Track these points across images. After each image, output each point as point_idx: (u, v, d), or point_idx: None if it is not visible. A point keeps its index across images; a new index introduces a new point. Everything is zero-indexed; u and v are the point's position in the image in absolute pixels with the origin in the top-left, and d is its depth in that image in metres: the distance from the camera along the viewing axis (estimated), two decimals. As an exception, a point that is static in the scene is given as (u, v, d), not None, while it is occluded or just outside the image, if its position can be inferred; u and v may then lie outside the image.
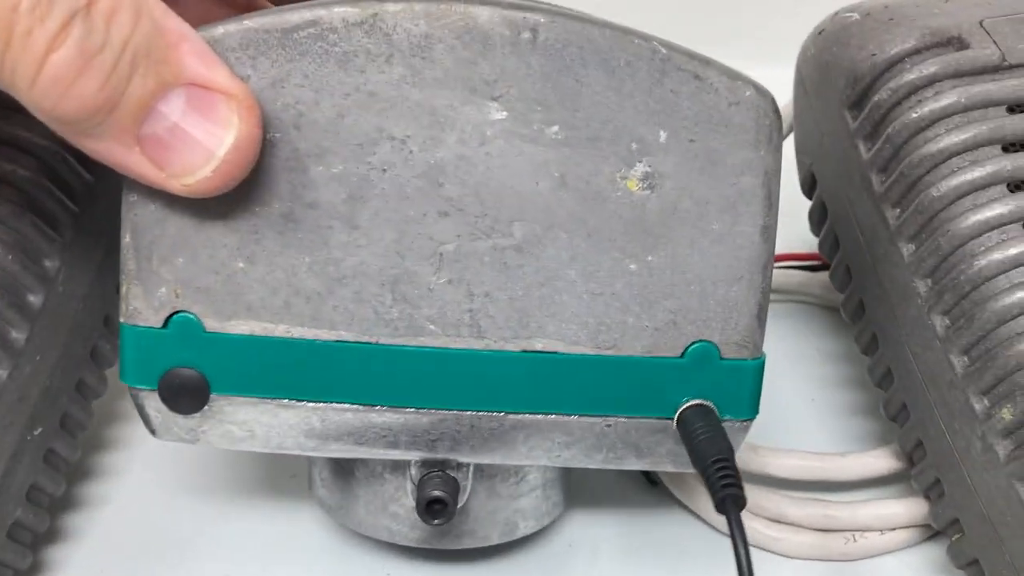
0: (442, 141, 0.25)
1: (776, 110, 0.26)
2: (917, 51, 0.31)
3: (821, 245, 0.36)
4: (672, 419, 0.27)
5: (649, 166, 0.25)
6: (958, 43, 0.31)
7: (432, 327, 0.26)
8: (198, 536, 0.34)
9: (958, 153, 0.30)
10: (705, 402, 0.27)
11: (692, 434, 0.26)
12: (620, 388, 0.27)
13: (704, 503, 0.34)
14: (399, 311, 0.26)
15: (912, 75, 0.31)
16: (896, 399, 0.33)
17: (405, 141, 0.25)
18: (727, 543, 0.34)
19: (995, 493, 0.29)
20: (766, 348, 0.42)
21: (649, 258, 0.26)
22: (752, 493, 0.35)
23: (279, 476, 0.36)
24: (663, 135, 0.25)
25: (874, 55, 0.32)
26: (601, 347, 0.27)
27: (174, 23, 0.23)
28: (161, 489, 0.35)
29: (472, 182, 0.25)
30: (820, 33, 0.35)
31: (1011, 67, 0.31)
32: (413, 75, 0.24)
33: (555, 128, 0.25)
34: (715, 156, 0.25)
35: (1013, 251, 0.28)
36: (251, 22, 0.24)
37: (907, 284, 0.31)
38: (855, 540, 0.34)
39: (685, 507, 0.35)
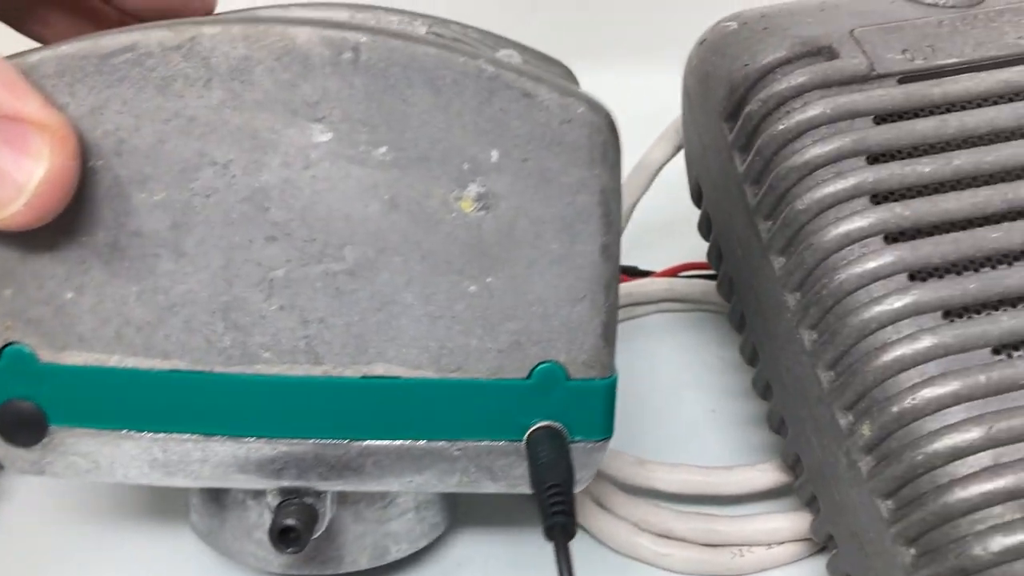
0: (265, 165, 0.24)
1: (611, 127, 0.25)
2: (788, 61, 0.31)
3: (708, 256, 0.35)
4: (522, 441, 0.26)
5: (483, 186, 0.24)
6: (828, 53, 0.31)
7: (267, 355, 0.25)
8: (82, 561, 0.33)
9: (822, 165, 0.29)
10: (554, 424, 0.26)
11: (534, 458, 0.25)
12: (467, 412, 0.26)
13: (598, 521, 0.34)
14: (232, 339, 0.25)
15: (781, 86, 0.30)
16: (776, 412, 0.32)
17: (227, 166, 0.24)
18: (619, 561, 0.34)
19: (859, 509, 0.28)
20: (666, 358, 0.41)
21: (488, 279, 0.25)
22: (639, 508, 0.34)
23: (166, 501, 0.35)
24: (495, 154, 0.24)
25: (747, 65, 0.31)
26: (444, 370, 0.25)
27: None
28: (44, 514, 0.34)
29: (299, 206, 0.24)
30: (702, 43, 0.34)
31: (879, 76, 0.30)
32: (233, 98, 0.23)
33: (382, 149, 0.24)
34: (549, 175, 0.24)
35: (872, 264, 0.27)
36: (68, 48, 0.23)
37: (778, 298, 0.30)
38: (742, 555, 0.33)
39: (578, 525, 0.34)
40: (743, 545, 0.33)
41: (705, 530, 0.33)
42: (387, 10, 0.32)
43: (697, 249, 0.44)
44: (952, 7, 0.32)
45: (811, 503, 0.31)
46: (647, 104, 0.49)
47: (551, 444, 0.26)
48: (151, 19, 0.30)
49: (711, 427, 0.38)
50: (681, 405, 0.40)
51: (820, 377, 0.29)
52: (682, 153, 0.39)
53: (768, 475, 0.34)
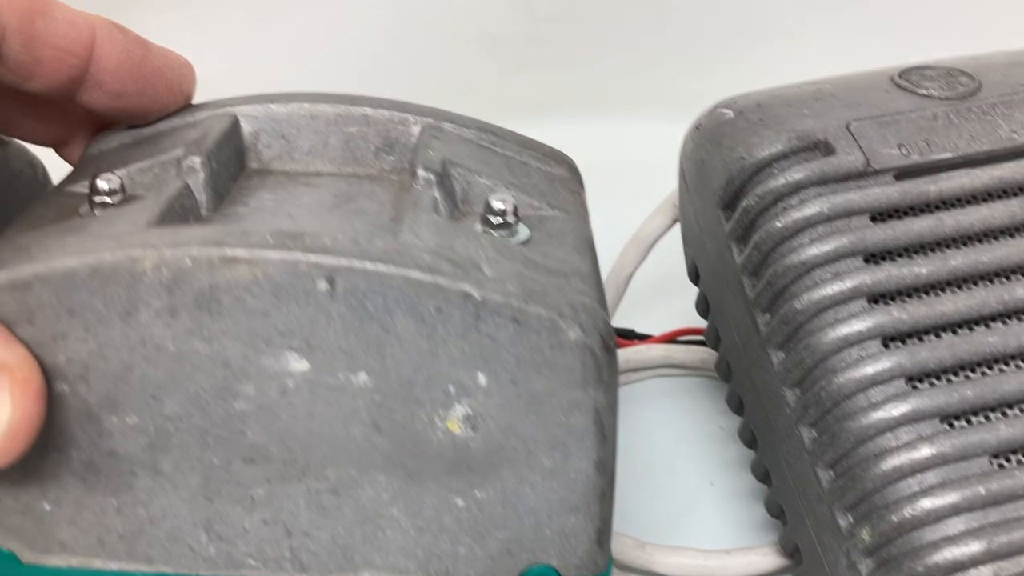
0: (239, 392, 0.22)
1: (606, 347, 0.22)
2: (784, 156, 0.29)
3: (707, 336, 0.35)
4: None
5: (469, 408, 0.22)
6: (824, 147, 0.29)
7: (252, 562, 0.23)
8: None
9: (820, 265, 0.28)
10: None
11: None
12: None
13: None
14: (216, 548, 0.23)
15: (778, 182, 0.29)
16: (775, 500, 0.31)
17: (199, 393, 0.22)
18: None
19: (860, 610, 0.28)
20: (664, 425, 0.41)
21: (477, 493, 0.23)
22: (640, 591, 0.34)
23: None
24: (483, 378, 0.22)
25: (743, 159, 0.30)
26: (433, 575, 0.24)
27: None
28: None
29: (277, 430, 0.22)
30: (697, 128, 0.33)
31: (875, 172, 0.29)
32: (201, 328, 0.21)
33: (363, 376, 0.22)
34: (541, 397, 0.22)
35: (870, 370, 0.26)
36: (24, 272, 0.21)
37: (777, 391, 0.29)
38: (742, 638, 0.33)
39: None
40: (744, 629, 0.33)
41: (706, 614, 0.33)
42: (377, 104, 0.30)
43: (693, 312, 0.44)
44: (946, 99, 0.30)
45: (811, 593, 0.32)
46: (653, 153, 0.49)
47: None
48: (122, 119, 0.28)
49: (710, 501, 0.37)
50: (680, 477, 0.39)
51: (820, 476, 0.28)
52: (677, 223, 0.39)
53: (768, 559, 0.33)
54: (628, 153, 0.54)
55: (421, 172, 0.26)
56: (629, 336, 0.44)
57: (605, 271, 0.39)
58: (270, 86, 0.57)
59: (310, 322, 0.21)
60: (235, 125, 0.29)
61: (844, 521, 0.27)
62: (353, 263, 0.21)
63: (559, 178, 0.30)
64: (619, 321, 0.44)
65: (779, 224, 0.29)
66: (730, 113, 0.32)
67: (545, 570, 0.24)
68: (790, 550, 0.31)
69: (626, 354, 0.42)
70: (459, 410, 0.23)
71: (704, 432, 0.40)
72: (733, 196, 0.31)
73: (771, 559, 0.33)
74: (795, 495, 0.30)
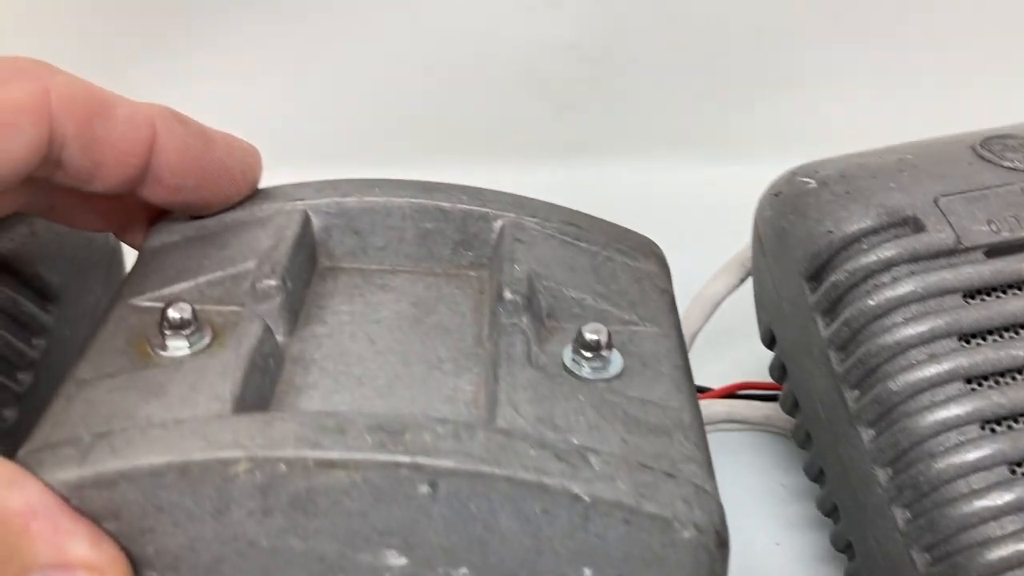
0: None
1: (720, 542, 0.21)
2: (874, 231, 0.29)
3: (783, 403, 0.35)
4: None
5: None
6: (914, 223, 0.29)
7: None
8: None
9: (915, 345, 0.27)
10: None
11: None
12: None
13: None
14: None
15: (869, 258, 0.29)
16: (858, 575, 0.31)
17: None
18: None
19: None
20: (727, 483, 0.41)
21: None
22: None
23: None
24: (588, 573, 0.21)
25: (831, 232, 0.29)
26: None
27: (18, 500, 0.19)
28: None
29: None
30: (777, 195, 0.33)
31: (966, 250, 0.28)
32: (295, 527, 0.20)
33: (463, 570, 0.21)
34: None
35: (972, 456, 0.26)
36: (112, 464, 0.20)
37: (867, 469, 0.28)
38: None
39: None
40: None
41: None
42: (454, 196, 0.28)
43: (749, 361, 0.43)
44: (1031, 172, 0.31)
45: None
46: (702, 194, 0.49)
47: None
48: (182, 211, 0.27)
49: (777, 563, 0.36)
50: (742, 537, 0.38)
51: (915, 559, 0.27)
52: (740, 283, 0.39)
53: (847, 632, 0.34)
54: (677, 194, 0.53)
55: (508, 295, 0.25)
56: (687, 389, 0.43)
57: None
58: (324, 131, 0.57)
59: (410, 523, 0.21)
60: (306, 224, 0.27)
61: (943, 607, 0.27)
62: (456, 466, 0.20)
63: (646, 275, 0.29)
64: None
65: (871, 302, 0.29)
66: (812, 183, 0.32)
67: None
68: (875, 625, 0.31)
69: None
70: None
71: (768, 490, 0.40)
72: (819, 269, 0.31)
73: (851, 632, 0.33)
74: (885, 575, 0.30)
